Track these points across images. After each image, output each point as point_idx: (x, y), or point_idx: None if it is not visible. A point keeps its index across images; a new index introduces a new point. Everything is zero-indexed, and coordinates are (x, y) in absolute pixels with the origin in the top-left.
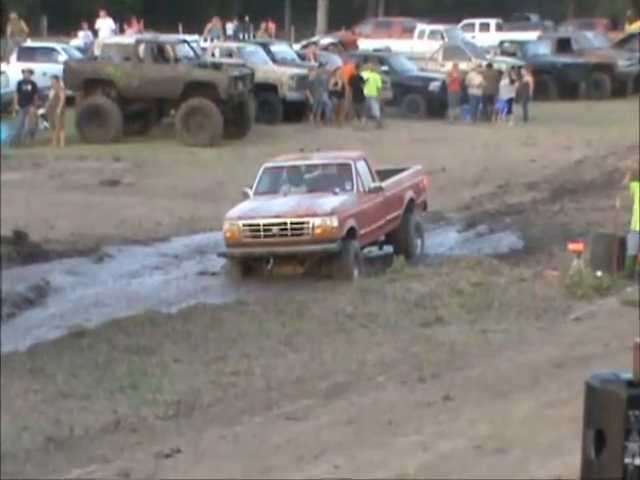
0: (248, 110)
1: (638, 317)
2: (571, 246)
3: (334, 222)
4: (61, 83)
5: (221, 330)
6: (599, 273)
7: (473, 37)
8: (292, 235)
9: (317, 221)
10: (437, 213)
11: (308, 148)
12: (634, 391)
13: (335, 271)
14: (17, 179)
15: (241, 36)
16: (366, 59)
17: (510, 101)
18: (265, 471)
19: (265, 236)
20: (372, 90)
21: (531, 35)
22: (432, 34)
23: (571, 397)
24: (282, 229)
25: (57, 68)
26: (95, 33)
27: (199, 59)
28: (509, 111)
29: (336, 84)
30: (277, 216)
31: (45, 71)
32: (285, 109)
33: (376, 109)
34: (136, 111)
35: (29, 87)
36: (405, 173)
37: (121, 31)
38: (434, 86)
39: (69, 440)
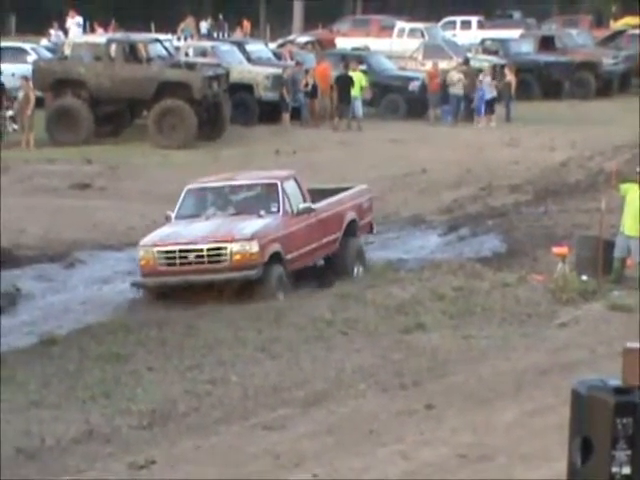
0: (223, 111)
1: (624, 322)
2: (555, 249)
3: (254, 247)
4: (31, 84)
5: (196, 337)
6: (584, 277)
7: (454, 35)
8: (209, 262)
9: (235, 247)
10: (418, 216)
11: (284, 150)
12: (622, 398)
13: (257, 297)
14: None
15: (215, 35)
16: (344, 58)
17: (492, 101)
18: None
19: (181, 264)
20: (356, 90)
21: (514, 33)
22: (412, 32)
23: (556, 404)
24: (198, 256)
25: (26, 68)
26: (65, 32)
27: (172, 59)
28: (491, 111)
29: (307, 85)
30: (193, 242)
31: (14, 71)
32: (261, 110)
33: (359, 109)
34: (108, 112)
35: None
36: (347, 193)
37: (92, 30)
38: (414, 86)
39: (40, 451)
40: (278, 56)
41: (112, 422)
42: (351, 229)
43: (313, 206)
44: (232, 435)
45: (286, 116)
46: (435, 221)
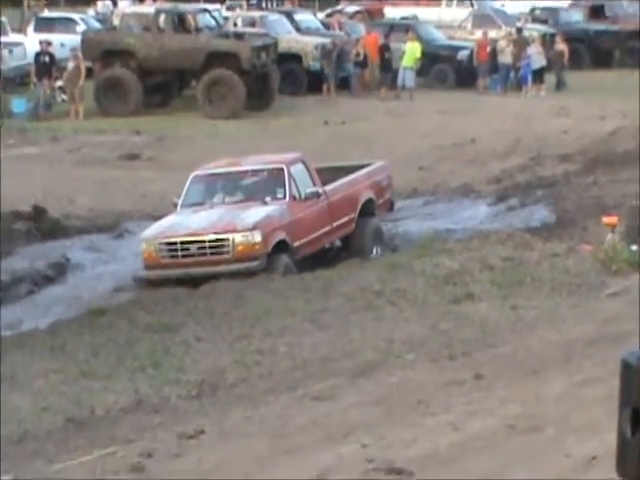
0: (271, 81)
1: None
2: (605, 219)
3: (256, 237)
4: (80, 55)
5: (245, 308)
6: (634, 247)
7: (503, 5)
8: (212, 254)
9: (238, 237)
10: (466, 186)
11: (333, 120)
12: None
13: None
14: (35, 153)
15: (264, 5)
16: (392, 28)
17: (541, 70)
18: (291, 451)
19: (183, 256)
20: (410, 60)
21: (563, 2)
22: (461, 1)
23: (606, 375)
24: (200, 247)
25: (75, 39)
26: (114, 3)
27: (221, 29)
28: (540, 80)
29: (358, 54)
30: (195, 233)
31: (63, 42)
32: (309, 80)
33: (411, 80)
34: (156, 83)
35: (47, 59)
36: (362, 171)
37: (140, 1)
38: (463, 55)
39: (89, 421)
40: (327, 26)
41: (161, 392)
42: (368, 209)
43: (321, 190)
44: (280, 406)
45: (329, 86)
46: (484, 191)
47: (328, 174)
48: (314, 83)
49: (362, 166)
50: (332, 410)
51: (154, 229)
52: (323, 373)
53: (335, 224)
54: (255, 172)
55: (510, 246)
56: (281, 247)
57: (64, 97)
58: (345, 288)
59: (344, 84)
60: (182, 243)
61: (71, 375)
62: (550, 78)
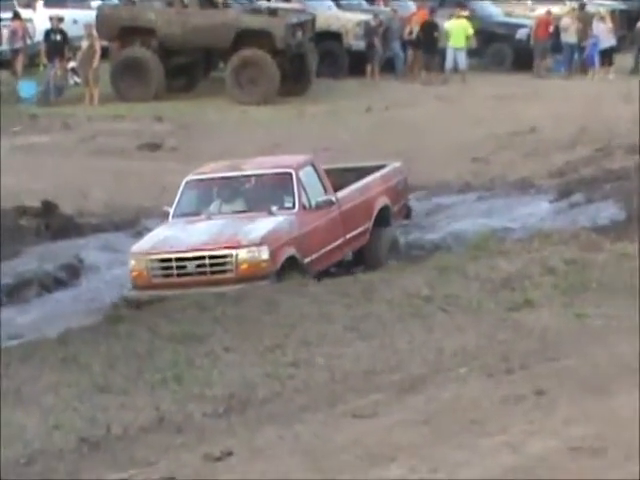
0: (308, 62)
1: None
2: None
3: (263, 254)
4: (95, 32)
5: (278, 314)
6: None
7: None
8: (212, 272)
9: (242, 253)
10: (526, 180)
11: (376, 106)
12: None
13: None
14: (45, 142)
15: None
16: (443, 3)
17: (610, 50)
18: (329, 474)
19: (179, 275)
20: (459, 40)
21: None
22: None
23: None
24: (199, 265)
25: (90, 15)
26: None
27: (252, 4)
28: (609, 62)
29: (411, 32)
30: (193, 248)
31: (76, 18)
32: (351, 61)
33: (463, 61)
34: (180, 64)
35: (58, 37)
36: (376, 174)
37: None
38: (522, 34)
39: (105, 440)
40: (370, 1)
41: (185, 409)
42: (383, 217)
43: (334, 197)
44: (318, 424)
45: (374, 68)
46: (545, 186)
47: (334, 177)
48: (356, 65)
49: (373, 168)
50: (375, 429)
51: (144, 243)
52: (365, 387)
53: (348, 236)
54: (259, 177)
55: (574, 247)
56: (291, 264)
57: (77, 80)
58: (389, 293)
59: (389, 66)
60: (178, 260)
61: (85, 389)
62: (625, 59)
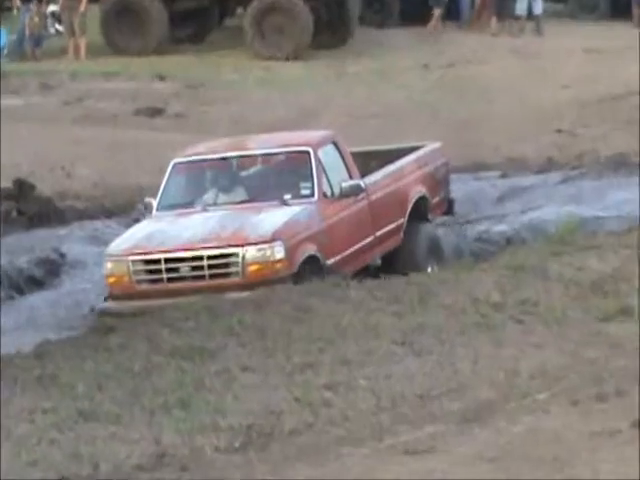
0: (349, 7)
1: None
2: None
3: (277, 252)
4: None
5: (310, 324)
6: None
7: None
8: (212, 277)
9: (251, 252)
10: (622, 156)
11: (435, 62)
12: None
13: None
14: (19, 106)
15: None
16: None
17: None
18: None
19: (169, 279)
20: None
21: None
22: None
23: None
24: (195, 267)
25: None
26: None
27: None
28: None
29: None
30: (186, 247)
31: None
32: (403, 6)
33: (538, 6)
34: (187, 9)
35: None
36: (410, 157)
37: None
38: None
39: None
40: None
41: (192, 442)
42: (419, 210)
43: (362, 183)
44: (359, 461)
45: (435, 15)
46: None
47: (359, 162)
48: (410, 10)
49: (405, 150)
50: (432, 468)
51: (124, 241)
52: (419, 417)
53: (378, 233)
54: (267, 158)
55: None
56: (311, 266)
57: (59, 27)
58: (450, 298)
59: (451, 12)
60: (168, 261)
61: (67, 417)
62: None
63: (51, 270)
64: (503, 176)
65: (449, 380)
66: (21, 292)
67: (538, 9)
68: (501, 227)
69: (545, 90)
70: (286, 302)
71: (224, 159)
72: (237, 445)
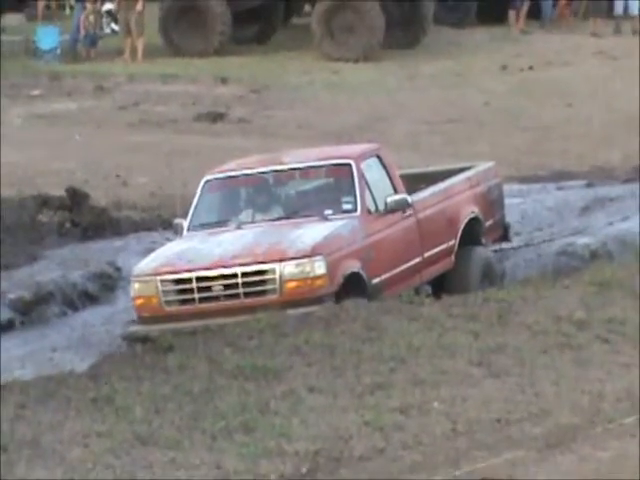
0: (422, 5)
1: None
2: None
3: (318, 268)
4: None
5: (381, 343)
6: None
7: None
8: (246, 295)
9: (289, 268)
10: None
11: (515, 64)
12: None
13: None
14: (71, 110)
15: None
16: None
17: None
18: None
19: (201, 299)
20: None
21: None
22: None
23: None
24: (228, 286)
25: None
26: None
27: None
28: None
29: None
30: (219, 264)
31: None
32: (481, 4)
33: (634, 4)
34: (251, 8)
35: None
36: (461, 176)
37: None
38: None
39: None
40: None
41: (255, 468)
42: (472, 233)
43: (409, 198)
44: None
45: (519, 13)
46: None
47: (406, 183)
48: (488, 9)
49: (455, 171)
50: None
51: (152, 261)
52: (498, 442)
53: (427, 254)
54: (306, 172)
55: None
56: (353, 284)
57: (115, 27)
58: (531, 316)
59: (534, 11)
60: (199, 280)
61: (123, 441)
62: None
63: (106, 285)
64: (588, 185)
65: (529, 404)
66: (74, 308)
67: (634, 7)
68: (585, 239)
69: (632, 94)
70: (356, 319)
71: (259, 174)
72: (304, 471)
